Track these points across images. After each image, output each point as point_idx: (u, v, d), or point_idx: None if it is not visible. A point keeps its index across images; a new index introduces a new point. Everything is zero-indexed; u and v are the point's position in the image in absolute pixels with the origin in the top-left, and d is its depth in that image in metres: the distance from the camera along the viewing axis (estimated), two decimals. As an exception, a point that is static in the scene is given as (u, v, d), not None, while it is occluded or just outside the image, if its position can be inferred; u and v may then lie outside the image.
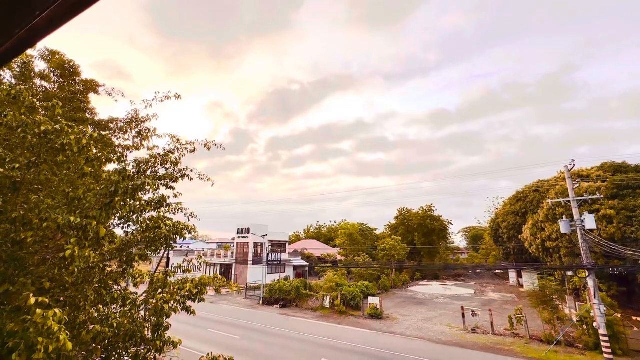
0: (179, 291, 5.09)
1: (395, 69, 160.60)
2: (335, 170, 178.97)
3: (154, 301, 4.94)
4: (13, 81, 7.57)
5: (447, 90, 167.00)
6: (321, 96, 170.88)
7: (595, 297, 13.67)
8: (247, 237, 41.34)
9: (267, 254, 35.66)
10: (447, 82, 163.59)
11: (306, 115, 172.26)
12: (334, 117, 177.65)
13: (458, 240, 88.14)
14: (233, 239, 48.95)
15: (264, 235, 39.20)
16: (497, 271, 56.23)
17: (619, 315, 16.89)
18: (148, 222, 5.45)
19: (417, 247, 50.94)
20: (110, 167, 5.26)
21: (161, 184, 5.37)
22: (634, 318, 22.29)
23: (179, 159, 5.49)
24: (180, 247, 51.13)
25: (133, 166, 5.09)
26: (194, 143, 5.65)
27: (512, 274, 46.58)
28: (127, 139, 5.48)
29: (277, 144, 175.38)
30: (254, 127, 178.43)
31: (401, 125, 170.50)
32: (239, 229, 42.61)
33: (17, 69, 7.83)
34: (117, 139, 5.43)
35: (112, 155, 5.11)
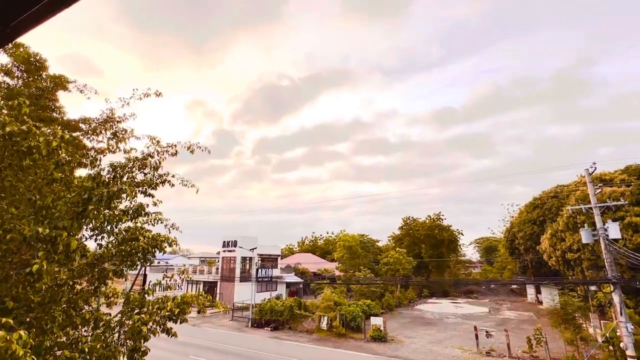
0: (158, 311, 5.07)
1: (396, 64, 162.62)
2: (332, 175, 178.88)
3: (131, 322, 4.91)
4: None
5: (452, 87, 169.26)
6: (314, 93, 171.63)
7: (621, 315, 13.81)
8: (233, 250, 41.11)
9: (257, 270, 35.48)
10: (452, 78, 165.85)
11: (298, 114, 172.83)
12: (329, 116, 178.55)
13: (470, 252, 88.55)
14: (218, 253, 48.56)
15: (252, 249, 39.01)
16: (514, 287, 56.45)
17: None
18: (124, 233, 5.46)
19: (425, 260, 51.04)
20: (83, 172, 5.26)
21: (139, 190, 5.37)
22: (665, 337, 22.45)
23: (159, 163, 5.50)
24: (159, 262, 50.61)
25: (108, 171, 5.10)
26: (175, 145, 5.65)
27: (530, 290, 46.79)
28: (101, 141, 5.49)
29: (266, 146, 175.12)
30: (240, 127, 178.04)
31: (403, 125, 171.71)
32: (224, 242, 42.37)
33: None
34: (90, 140, 5.44)
35: (84, 159, 5.12)
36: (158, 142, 5.61)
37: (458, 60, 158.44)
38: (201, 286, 43.17)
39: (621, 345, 14.24)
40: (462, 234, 55.66)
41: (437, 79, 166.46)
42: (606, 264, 14.45)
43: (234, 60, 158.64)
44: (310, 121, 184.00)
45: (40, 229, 3.58)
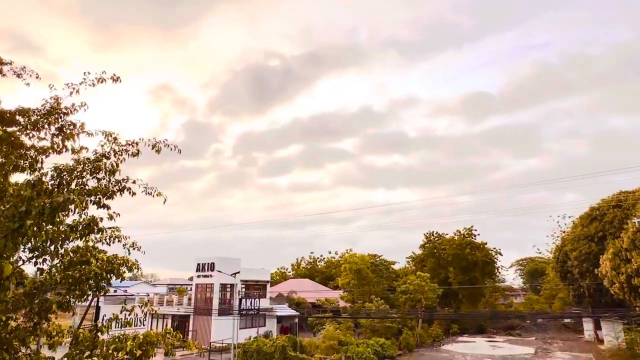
0: (115, 353, 5.06)
1: (416, 39, 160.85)
2: (335, 180, 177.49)
3: (80, 368, 4.89)
4: None
5: (487, 68, 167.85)
6: (312, 75, 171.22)
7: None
8: (210, 276, 40.99)
9: (240, 300, 35.43)
10: (487, 55, 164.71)
11: (291, 103, 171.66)
12: (331, 104, 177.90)
13: (510, 277, 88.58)
14: (190, 279, 48.46)
15: (235, 274, 38.90)
16: (567, 321, 56.27)
17: None
18: (72, 255, 5.47)
19: (453, 287, 50.94)
20: (20, 177, 5.28)
21: (91, 201, 5.36)
22: None
23: (117, 165, 5.51)
24: (116, 291, 50.51)
25: (52, 176, 5.09)
26: (137, 143, 5.69)
27: (588, 325, 46.64)
28: (44, 138, 5.48)
29: (251, 142, 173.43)
30: (218, 119, 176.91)
31: (424, 115, 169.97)
32: (199, 265, 42.25)
33: None
34: (30, 138, 5.45)
35: (22, 160, 5.12)
36: (115, 139, 5.61)
37: (494, 33, 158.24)
38: (169, 321, 42.97)
39: None
40: (500, 254, 55.67)
41: (468, 57, 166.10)
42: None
43: (210, 34, 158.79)
44: (307, 111, 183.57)
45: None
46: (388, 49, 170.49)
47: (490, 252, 53.98)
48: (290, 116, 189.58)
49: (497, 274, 59.28)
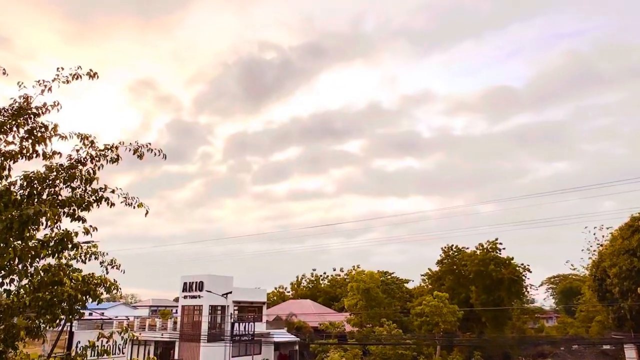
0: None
1: (430, 27, 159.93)
2: (339, 186, 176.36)
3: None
4: None
5: (511, 59, 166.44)
6: (313, 69, 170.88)
7: None
8: (198, 296, 40.92)
9: (232, 324, 35.32)
10: (512, 45, 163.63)
11: (289, 100, 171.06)
12: (334, 101, 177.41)
13: (540, 297, 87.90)
14: (176, 299, 48.38)
15: (226, 294, 38.84)
16: (606, 347, 55.80)
17: None
18: (42, 274, 5.42)
19: (475, 309, 50.63)
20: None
21: (65, 213, 5.37)
22: None
23: (94, 173, 5.54)
24: (91, 314, 50.44)
25: (21, 185, 5.11)
26: (117, 148, 5.71)
27: (630, 352, 46.23)
28: (12, 142, 5.49)
29: (244, 145, 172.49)
30: (206, 118, 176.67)
31: (440, 112, 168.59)
32: (185, 284, 42.19)
33: None
34: (-4, 142, 5.47)
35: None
36: (92, 143, 5.64)
37: (519, 20, 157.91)
38: (152, 348, 42.92)
39: None
40: (529, 271, 55.30)
41: (489, 47, 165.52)
42: None
43: (197, 22, 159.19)
44: (307, 109, 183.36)
45: None
46: (399, 38, 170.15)
47: (517, 268, 53.61)
48: (288, 115, 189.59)
49: (526, 293, 58.81)
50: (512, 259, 53.82)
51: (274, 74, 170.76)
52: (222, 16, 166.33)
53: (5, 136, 5.44)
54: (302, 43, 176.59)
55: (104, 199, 5.59)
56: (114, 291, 5.67)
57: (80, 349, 5.68)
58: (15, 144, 5.50)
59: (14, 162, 5.48)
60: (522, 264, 54.87)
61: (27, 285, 5.41)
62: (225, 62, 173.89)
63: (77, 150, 5.59)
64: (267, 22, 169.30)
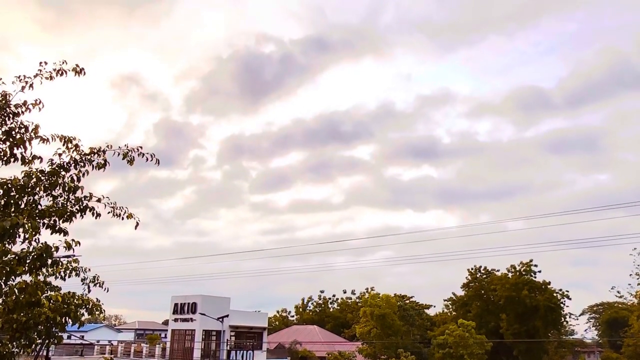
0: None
1: (450, 19, 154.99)
2: (348, 197, 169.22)
3: None
4: None
5: (543, 56, 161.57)
6: (317, 65, 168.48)
7: None
8: (191, 319, 40.36)
9: (229, 352, 34.64)
10: (543, 41, 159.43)
11: (291, 99, 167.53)
12: (342, 101, 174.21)
13: (581, 328, 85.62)
14: (165, 322, 47.60)
15: (222, 317, 38.15)
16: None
17: None
18: (17, 293, 5.32)
19: (506, 340, 49.43)
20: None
21: (44, 224, 5.27)
22: None
23: (78, 179, 5.42)
24: (69, 337, 49.54)
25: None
26: (104, 152, 5.61)
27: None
28: (-12, 145, 5.38)
29: (241, 148, 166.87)
30: (198, 118, 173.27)
31: (462, 115, 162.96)
32: (176, 305, 41.76)
33: None
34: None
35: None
36: (76, 146, 5.53)
37: (553, 13, 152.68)
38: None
39: None
40: (568, 298, 53.97)
41: (517, 43, 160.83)
42: None
43: (187, 12, 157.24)
44: (312, 109, 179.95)
45: None
46: (415, 32, 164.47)
47: (554, 294, 52.47)
48: (290, 115, 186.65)
49: (564, 323, 57.62)
50: (549, 283, 52.65)
51: (274, 70, 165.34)
52: (214, 4, 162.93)
53: (-21, 138, 5.32)
54: (304, 36, 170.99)
55: (88, 209, 5.50)
56: (96, 313, 5.52)
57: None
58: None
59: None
60: (560, 290, 53.48)
61: (0, 306, 5.30)
62: (218, 56, 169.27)
63: (60, 155, 5.48)
64: (265, 12, 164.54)
